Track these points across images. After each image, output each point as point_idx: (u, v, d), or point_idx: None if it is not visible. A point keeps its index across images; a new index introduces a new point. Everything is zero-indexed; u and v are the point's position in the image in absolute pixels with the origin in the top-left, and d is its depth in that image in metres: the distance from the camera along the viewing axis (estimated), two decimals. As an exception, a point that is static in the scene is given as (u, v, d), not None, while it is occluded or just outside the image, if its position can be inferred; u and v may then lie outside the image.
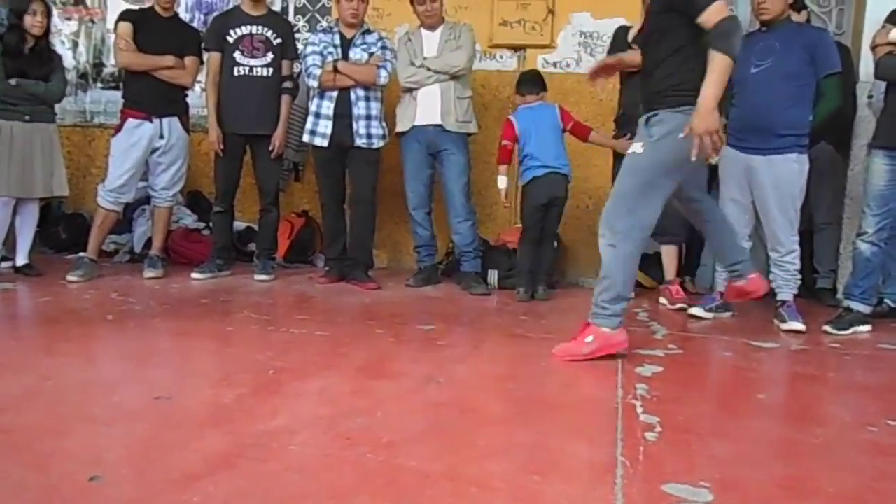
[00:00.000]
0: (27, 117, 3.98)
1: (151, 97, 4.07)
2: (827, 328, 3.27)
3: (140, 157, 4.08)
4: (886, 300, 3.75)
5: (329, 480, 1.46)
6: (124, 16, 4.09)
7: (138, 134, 4.05)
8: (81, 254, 4.13)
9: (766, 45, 3.34)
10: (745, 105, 3.40)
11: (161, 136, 4.11)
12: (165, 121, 4.11)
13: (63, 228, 5.06)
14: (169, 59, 4.06)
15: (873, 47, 3.38)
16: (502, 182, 3.99)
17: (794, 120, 3.33)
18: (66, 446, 1.61)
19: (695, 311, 3.54)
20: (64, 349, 2.52)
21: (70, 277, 3.88)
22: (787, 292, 3.39)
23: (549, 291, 4.00)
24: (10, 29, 3.92)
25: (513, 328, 3.19)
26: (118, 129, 4.10)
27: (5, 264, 4.13)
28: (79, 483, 1.40)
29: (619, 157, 4.03)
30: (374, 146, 4.08)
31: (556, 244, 4.21)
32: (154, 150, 4.12)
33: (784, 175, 3.34)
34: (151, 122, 4.08)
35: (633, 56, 3.34)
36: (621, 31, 4.00)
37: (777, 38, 3.33)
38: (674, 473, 1.56)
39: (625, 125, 3.93)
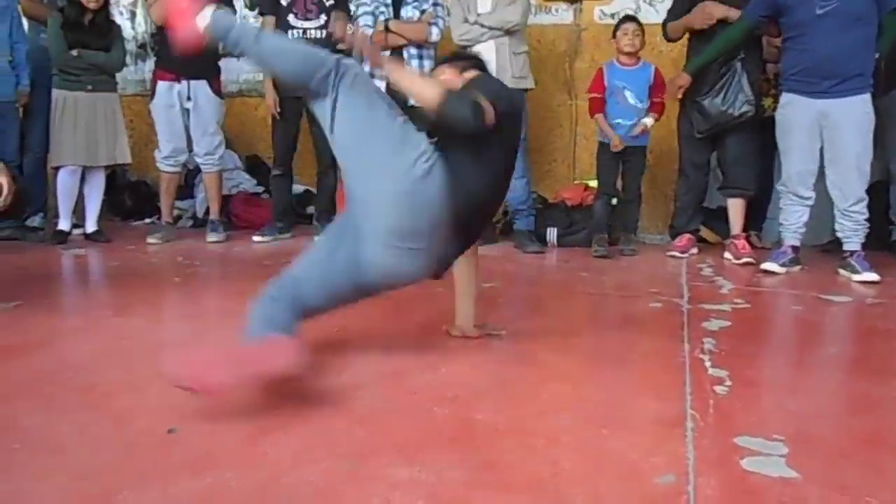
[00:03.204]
0: (89, 87, 4.07)
1: (179, 58, 4.05)
2: None
3: (178, 119, 4.13)
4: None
5: (396, 434, 1.48)
6: None
7: (170, 96, 4.11)
8: (155, 218, 4.24)
9: None
10: (810, 49, 3.27)
11: (189, 99, 4.14)
12: (193, 83, 4.13)
13: (128, 196, 5.21)
14: None
15: None
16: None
17: (862, 60, 3.25)
18: (143, 403, 1.67)
19: (767, 265, 3.43)
20: (135, 311, 2.60)
21: (150, 240, 4.02)
22: (855, 242, 3.27)
23: (631, 248, 3.96)
24: (70, 2, 3.99)
25: (573, 285, 3.15)
26: (152, 93, 4.17)
27: (76, 231, 4.27)
28: (157, 436, 1.45)
29: (682, 109, 3.93)
30: (429, 105, 4.04)
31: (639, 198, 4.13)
32: (187, 114, 4.16)
33: (861, 116, 3.24)
34: (179, 83, 4.11)
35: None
36: None
37: None
38: (746, 427, 1.53)
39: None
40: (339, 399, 1.67)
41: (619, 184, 4.04)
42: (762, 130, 3.76)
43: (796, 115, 3.37)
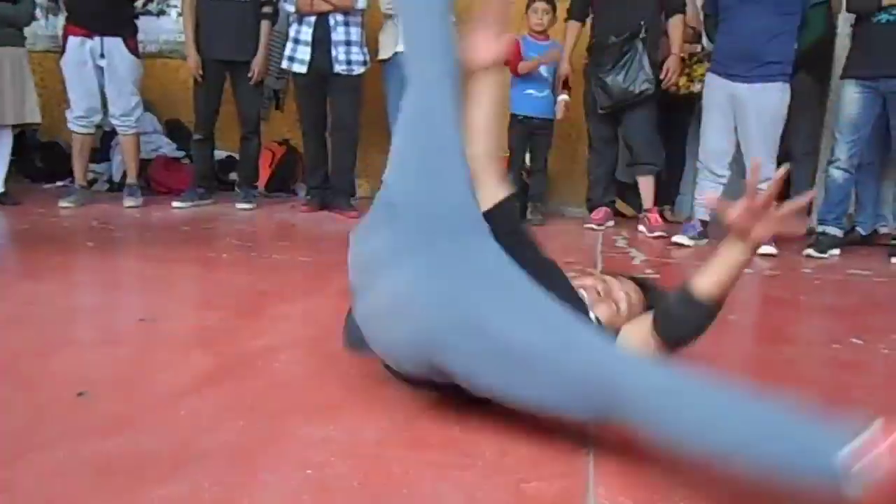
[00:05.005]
0: (-5, 41, 3.87)
1: (91, 12, 3.90)
2: (809, 251, 3.38)
3: (92, 76, 3.97)
4: (858, 228, 3.83)
5: (315, 395, 1.51)
6: None
7: (82, 52, 3.94)
8: (68, 181, 4.09)
9: None
10: (732, 33, 3.40)
11: (102, 56, 3.97)
12: (107, 40, 3.96)
13: (39, 157, 4.99)
14: None
15: None
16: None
17: (780, 48, 3.35)
18: (53, 367, 1.64)
19: (678, 238, 3.59)
20: (46, 275, 2.53)
21: (62, 204, 3.89)
22: (762, 218, 3.44)
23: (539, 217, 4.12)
24: (-26, -50, 3.77)
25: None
26: (63, 49, 3.99)
27: (-19, 193, 4.08)
28: (66, 400, 1.43)
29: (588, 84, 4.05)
30: (355, 73, 4.02)
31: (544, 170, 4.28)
32: (101, 73, 3.99)
33: (768, 103, 3.38)
34: (92, 39, 3.93)
35: None
36: None
37: None
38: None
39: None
40: (256, 363, 1.68)
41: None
42: (675, 108, 3.91)
43: (713, 95, 3.53)
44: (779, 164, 3.49)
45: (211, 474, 1.16)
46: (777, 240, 3.39)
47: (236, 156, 4.61)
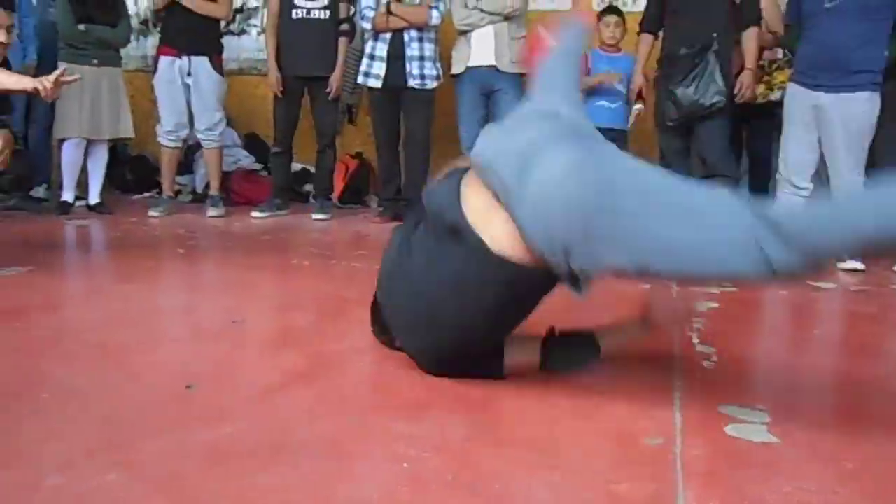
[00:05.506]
0: (95, 61, 4.11)
1: (181, 34, 4.15)
2: None
3: (180, 93, 4.19)
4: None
5: (401, 394, 1.56)
6: None
7: (171, 71, 4.18)
8: (154, 192, 4.30)
9: None
10: (816, 41, 3.32)
11: (189, 74, 4.19)
12: (194, 59, 4.19)
13: (129, 170, 5.25)
14: None
15: None
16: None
17: (869, 56, 3.24)
18: (157, 360, 1.74)
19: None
20: (142, 278, 2.67)
21: (151, 213, 4.10)
22: (847, 232, 3.35)
23: None
24: (78, -23, 4.03)
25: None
26: (155, 69, 4.22)
27: (79, 203, 4.32)
28: (175, 391, 1.52)
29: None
30: (428, 87, 4.11)
31: None
32: (188, 90, 4.22)
33: (855, 114, 3.27)
34: (181, 58, 4.16)
35: None
36: None
37: None
38: (730, 397, 1.61)
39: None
40: (344, 362, 1.74)
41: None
42: (756, 117, 3.85)
43: (796, 105, 3.44)
44: (867, 174, 3.40)
45: (310, 463, 1.22)
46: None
47: (311, 168, 4.76)
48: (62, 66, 4.00)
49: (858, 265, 3.23)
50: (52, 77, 2.53)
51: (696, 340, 2.07)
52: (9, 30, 2.75)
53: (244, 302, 2.42)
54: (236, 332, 2.01)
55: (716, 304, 2.54)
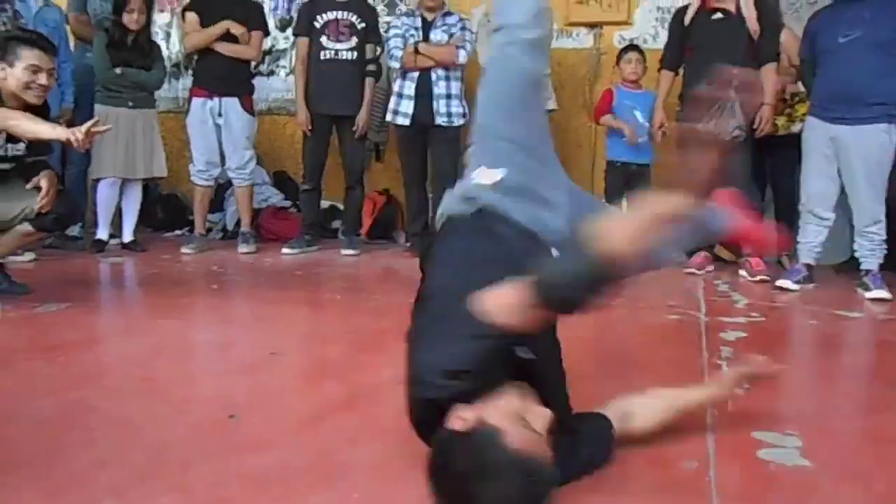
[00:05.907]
0: (131, 104, 4.25)
1: (213, 75, 4.28)
2: None
3: (212, 133, 4.32)
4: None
5: (439, 422, 1.60)
6: (189, 6, 4.33)
7: (203, 111, 4.30)
8: (186, 230, 4.44)
9: (854, 15, 3.31)
10: (832, 75, 3.38)
11: (220, 115, 4.32)
12: (225, 100, 4.31)
13: (160, 208, 5.38)
14: (225, 23, 4.21)
15: None
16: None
17: (885, 90, 3.29)
18: (199, 392, 1.81)
19: (781, 282, 3.53)
20: (178, 313, 2.74)
21: (184, 250, 4.20)
22: (871, 261, 3.36)
23: None
24: (114, 23, 4.20)
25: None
26: (188, 110, 4.37)
27: (113, 241, 4.44)
28: (219, 421, 1.58)
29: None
30: (455, 124, 4.20)
31: None
32: (219, 130, 4.35)
33: (872, 146, 3.31)
34: (212, 99, 4.30)
35: None
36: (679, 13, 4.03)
37: (866, 8, 3.30)
38: (763, 423, 1.63)
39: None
40: (384, 392, 1.78)
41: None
42: (780, 147, 3.89)
43: (814, 138, 3.49)
44: (889, 205, 3.42)
45: (357, 487, 1.26)
46: (892, 286, 3.30)
47: (339, 205, 4.84)
48: (98, 108, 4.19)
49: (886, 294, 3.23)
50: (83, 128, 2.63)
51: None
52: (51, 73, 2.86)
53: (280, 335, 2.48)
54: (275, 364, 2.07)
55: (744, 334, 2.56)
